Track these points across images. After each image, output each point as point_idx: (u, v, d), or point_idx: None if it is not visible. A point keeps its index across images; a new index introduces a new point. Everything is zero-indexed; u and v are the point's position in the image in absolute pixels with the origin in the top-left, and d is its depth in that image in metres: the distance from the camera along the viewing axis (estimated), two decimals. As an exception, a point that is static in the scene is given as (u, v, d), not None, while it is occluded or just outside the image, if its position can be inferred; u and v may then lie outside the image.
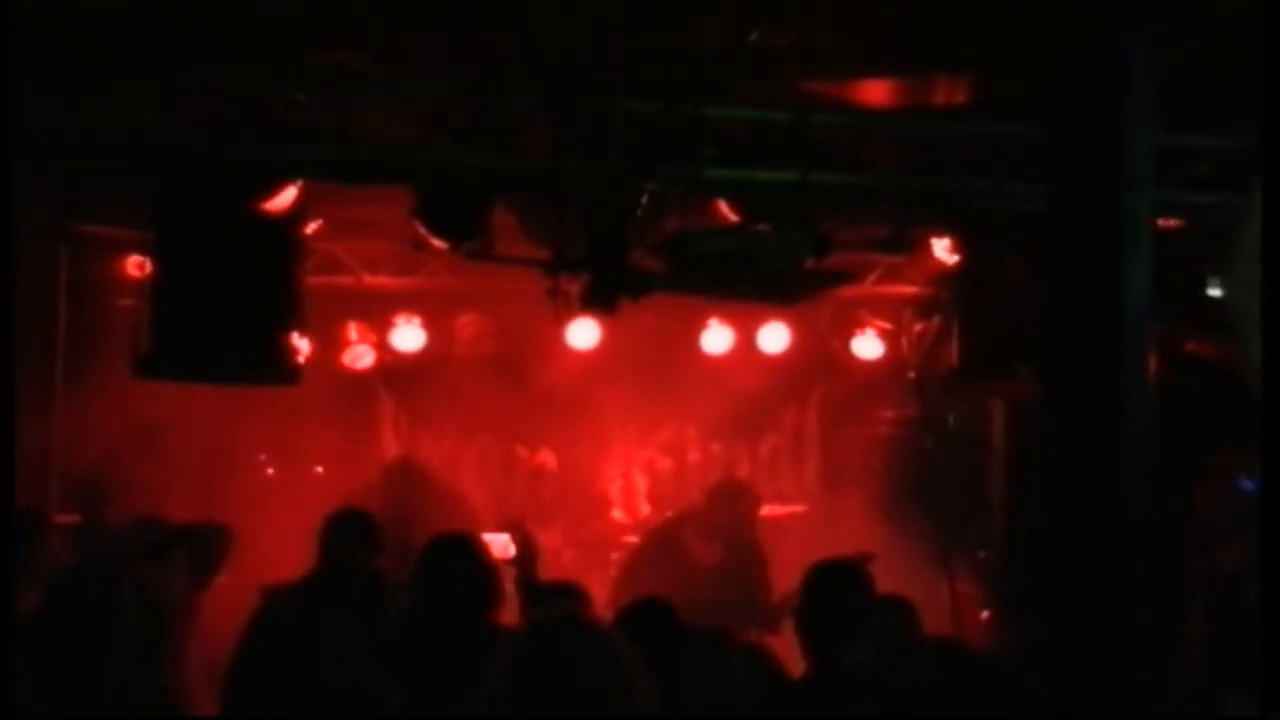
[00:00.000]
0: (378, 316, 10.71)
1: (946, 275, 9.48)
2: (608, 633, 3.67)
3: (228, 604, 7.59)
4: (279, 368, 7.97)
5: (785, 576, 8.99)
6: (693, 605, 7.14)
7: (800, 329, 10.83)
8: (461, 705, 5.23)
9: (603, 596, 8.48)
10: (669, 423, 11.38)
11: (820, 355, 11.12)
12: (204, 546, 7.37)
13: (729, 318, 10.71)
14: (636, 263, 7.29)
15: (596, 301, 7.31)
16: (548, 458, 11.17)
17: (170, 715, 5.77)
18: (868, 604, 5.57)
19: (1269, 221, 4.56)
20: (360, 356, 10.71)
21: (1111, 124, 4.73)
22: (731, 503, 9.36)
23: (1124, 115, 4.72)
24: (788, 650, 6.98)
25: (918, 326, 10.78)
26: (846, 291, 9.55)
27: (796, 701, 5.41)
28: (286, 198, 7.73)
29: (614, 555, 10.11)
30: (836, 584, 5.70)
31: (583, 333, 10.14)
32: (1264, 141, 4.57)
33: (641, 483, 11.31)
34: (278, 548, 8.46)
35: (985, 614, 10.15)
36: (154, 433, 9.63)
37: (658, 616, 5.55)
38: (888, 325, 10.99)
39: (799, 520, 10.39)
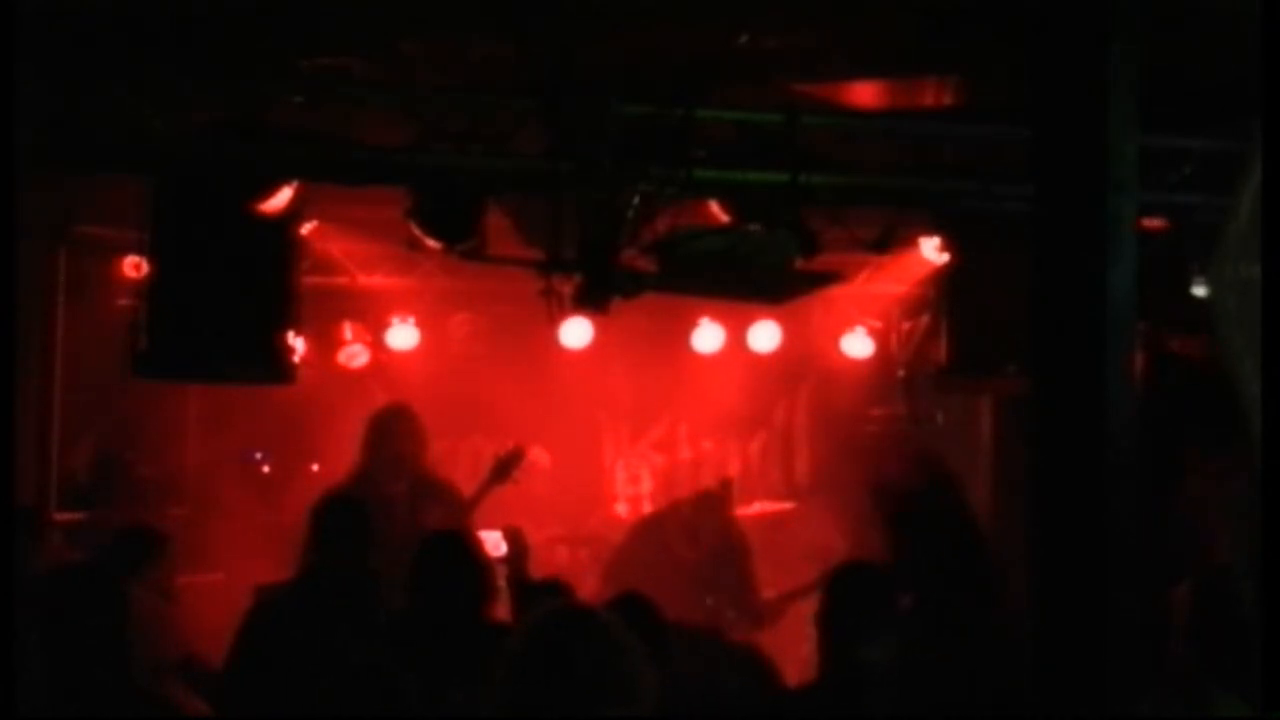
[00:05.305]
0: (372, 316, 10.78)
1: (935, 274, 9.56)
2: (612, 623, 3.70)
3: (223, 602, 7.67)
4: (275, 367, 8.02)
5: (777, 572, 9.08)
6: (679, 601, 7.24)
7: (790, 328, 10.87)
8: (460, 700, 5.31)
9: (590, 592, 8.53)
10: (661, 420, 11.44)
11: (810, 353, 11.16)
12: (136, 550, 7.35)
13: (719, 316, 10.75)
14: (628, 263, 7.34)
15: (589, 301, 7.36)
16: (541, 455, 11.23)
17: (168, 715, 5.82)
18: (888, 604, 5.61)
19: (1268, 218, 4.64)
20: (355, 356, 10.77)
21: (1096, 126, 4.76)
22: (712, 509, 9.47)
23: (1108, 117, 4.75)
24: (779, 648, 7.09)
25: (906, 325, 10.83)
26: (836, 290, 9.58)
27: (811, 701, 5.44)
28: (283, 198, 7.78)
29: (607, 554, 10.15)
30: (857, 585, 5.74)
31: (575, 332, 10.20)
32: (1264, 141, 4.65)
33: (646, 480, 11.36)
34: (272, 546, 8.53)
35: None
36: (150, 431, 9.68)
37: (640, 611, 5.62)
38: (877, 324, 11.02)
39: (789, 517, 10.43)
